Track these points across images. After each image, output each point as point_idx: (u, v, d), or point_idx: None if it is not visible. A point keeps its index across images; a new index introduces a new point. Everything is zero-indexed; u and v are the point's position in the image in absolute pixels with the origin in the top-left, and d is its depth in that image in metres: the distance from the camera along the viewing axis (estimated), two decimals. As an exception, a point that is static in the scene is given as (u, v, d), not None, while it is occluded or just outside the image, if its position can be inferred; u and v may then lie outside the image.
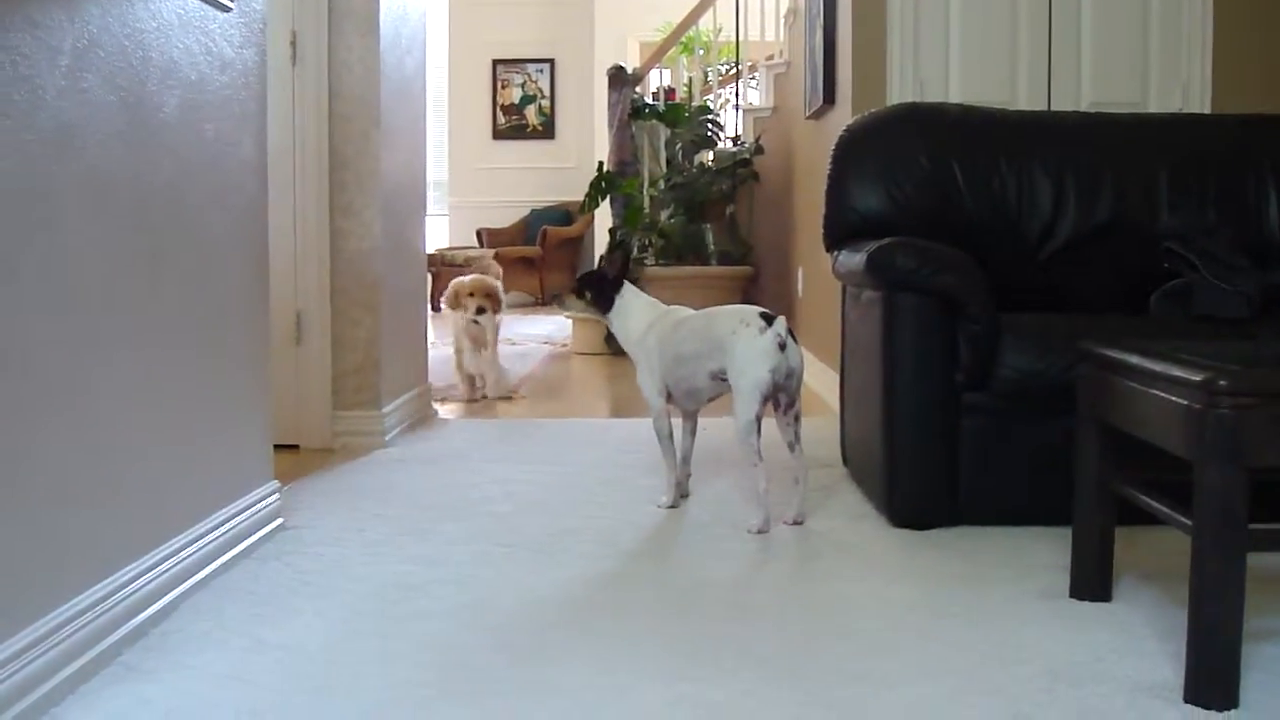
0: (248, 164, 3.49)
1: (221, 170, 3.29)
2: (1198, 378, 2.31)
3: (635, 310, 4.01)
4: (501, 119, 14.53)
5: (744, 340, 3.62)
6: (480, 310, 6.49)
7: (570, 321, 9.32)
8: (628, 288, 4.05)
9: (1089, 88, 5.71)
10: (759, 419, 3.63)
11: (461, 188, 14.43)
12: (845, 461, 4.45)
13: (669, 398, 3.95)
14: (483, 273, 12.76)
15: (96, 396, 2.57)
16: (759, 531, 3.62)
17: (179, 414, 3.00)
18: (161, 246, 2.90)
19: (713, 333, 3.73)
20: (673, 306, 4.05)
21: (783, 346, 3.59)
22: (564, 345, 9.30)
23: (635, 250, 8.69)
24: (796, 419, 3.75)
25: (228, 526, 3.26)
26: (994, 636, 2.74)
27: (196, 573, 3.02)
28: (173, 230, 2.96)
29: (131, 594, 2.67)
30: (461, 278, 6.82)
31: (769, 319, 3.64)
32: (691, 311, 3.98)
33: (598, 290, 4.00)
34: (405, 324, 5.51)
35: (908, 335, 3.66)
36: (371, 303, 5.04)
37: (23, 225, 2.29)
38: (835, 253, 4.29)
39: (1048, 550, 3.36)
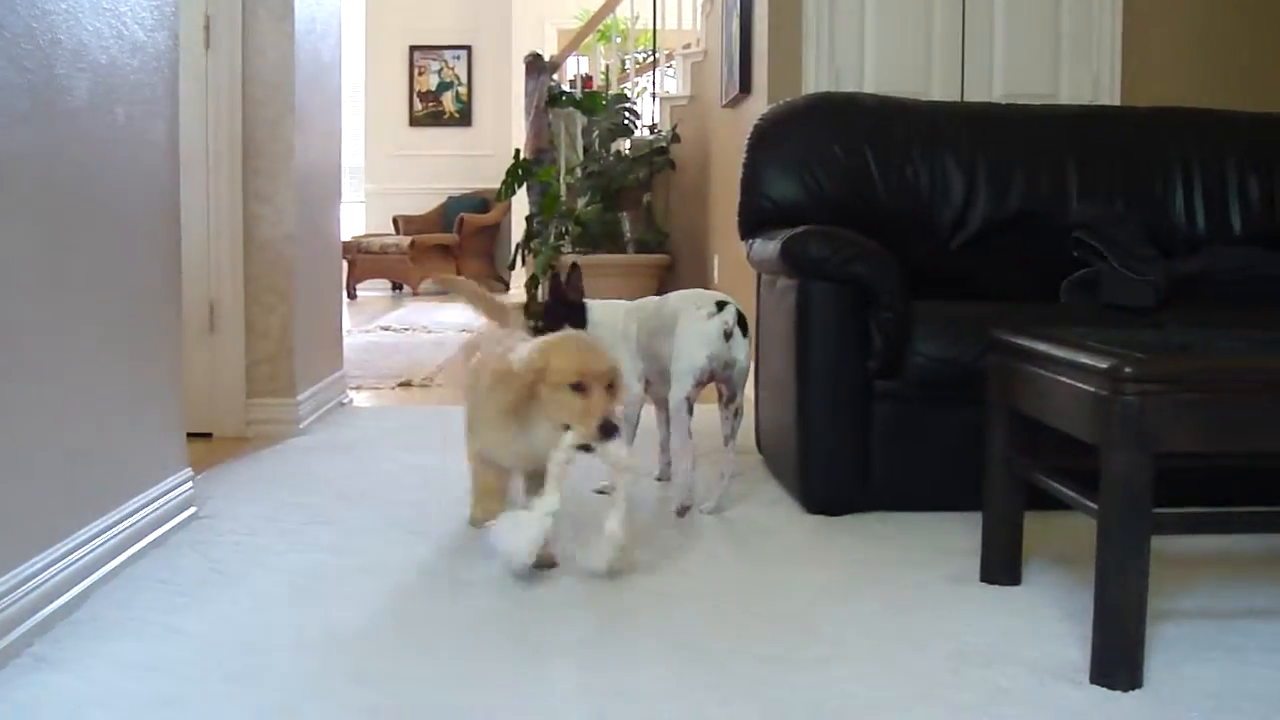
0: (159, 149, 3.45)
1: (133, 155, 3.25)
2: (1104, 365, 2.35)
3: (608, 312, 4.03)
4: (418, 106, 14.44)
5: (688, 321, 3.64)
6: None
7: (487, 309, 9.28)
8: (590, 301, 4.05)
9: (1002, 78, 5.78)
10: (689, 400, 3.67)
11: (378, 175, 14.33)
12: (760, 449, 4.48)
13: (647, 386, 3.99)
14: (393, 253, 12.69)
15: (1, 383, 2.53)
16: (679, 511, 3.65)
17: (87, 403, 2.96)
18: (70, 232, 2.86)
19: (665, 312, 3.77)
20: (647, 298, 4.08)
21: (728, 335, 3.59)
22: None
23: (552, 238, 8.68)
24: (736, 414, 3.75)
25: (139, 515, 3.22)
26: (905, 620, 2.77)
27: (108, 562, 2.99)
28: (82, 216, 2.92)
29: (41, 584, 2.64)
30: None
31: (721, 305, 3.62)
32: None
33: (570, 318, 3.93)
34: (320, 311, 5.48)
35: (821, 323, 3.69)
36: (285, 290, 5.00)
37: (-72, 210, 2.25)
38: (750, 241, 4.32)
39: (959, 535, 3.40)
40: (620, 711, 2.26)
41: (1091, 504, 2.42)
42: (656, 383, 3.93)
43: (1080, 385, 2.44)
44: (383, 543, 3.40)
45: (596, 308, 4.04)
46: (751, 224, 4.34)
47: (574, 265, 3.98)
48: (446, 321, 10.26)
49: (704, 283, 8.37)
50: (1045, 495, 2.72)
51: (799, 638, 2.66)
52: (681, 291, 3.90)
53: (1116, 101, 5.73)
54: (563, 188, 8.95)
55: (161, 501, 3.39)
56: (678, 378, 3.66)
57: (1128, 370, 2.31)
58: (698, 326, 3.62)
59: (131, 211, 3.25)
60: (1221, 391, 2.36)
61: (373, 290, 13.56)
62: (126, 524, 3.14)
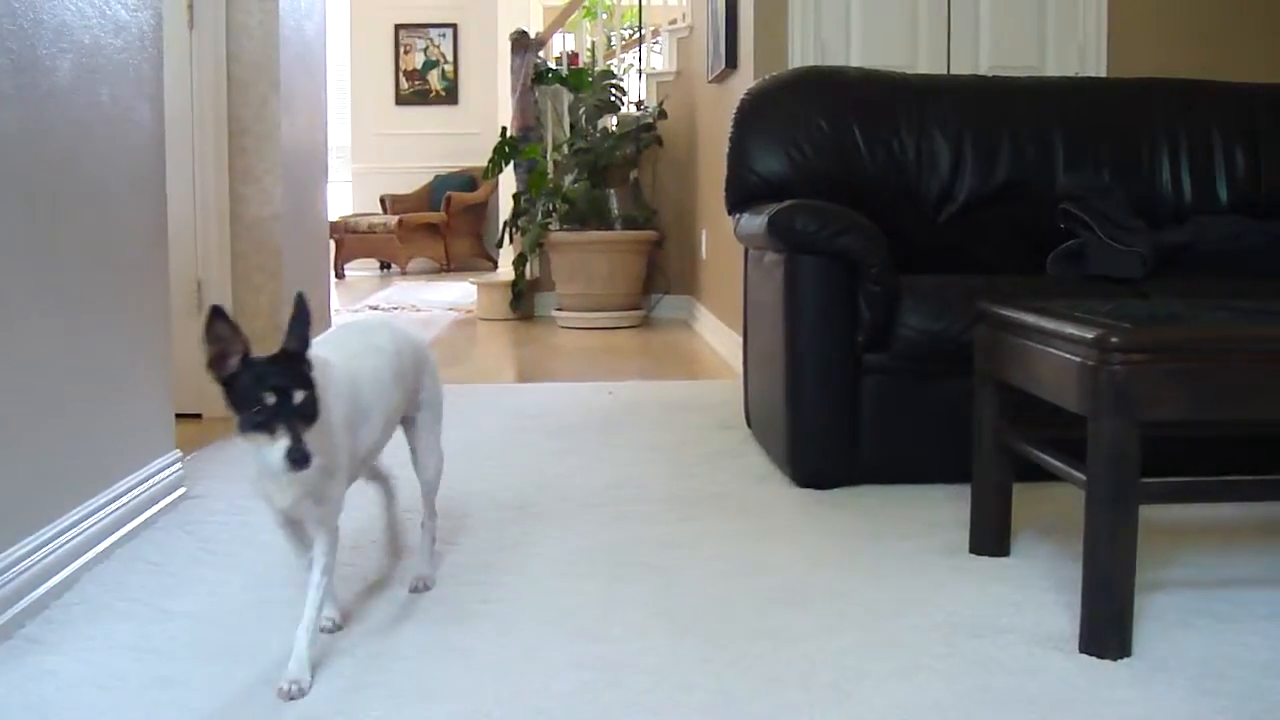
0: (145, 129, 3.44)
1: (118, 136, 3.25)
2: (1091, 335, 2.35)
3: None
4: (404, 84, 14.40)
5: None
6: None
7: (475, 287, 9.30)
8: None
9: (987, 51, 5.78)
10: None
11: (364, 154, 14.30)
12: (749, 424, 4.48)
13: None
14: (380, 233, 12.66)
15: (-8, 366, 2.53)
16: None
17: (76, 384, 2.96)
18: (56, 213, 2.85)
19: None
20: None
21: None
22: (469, 312, 9.27)
23: (539, 215, 8.67)
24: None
25: (129, 496, 3.22)
26: (895, 592, 2.78)
27: (98, 543, 2.99)
28: (68, 197, 2.92)
29: (31, 566, 2.64)
30: None
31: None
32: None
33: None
34: (309, 290, 5.46)
35: (809, 297, 3.69)
36: (273, 269, 5.00)
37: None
38: (737, 216, 4.32)
39: (948, 507, 3.41)
40: (608, 684, 2.27)
41: (1079, 474, 2.42)
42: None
43: (1067, 355, 2.45)
44: (374, 519, 3.39)
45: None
46: (738, 199, 4.34)
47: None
48: (434, 300, 10.26)
49: (693, 260, 8.38)
50: (1034, 467, 2.73)
51: (789, 610, 2.66)
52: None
53: (1102, 73, 5.74)
54: (550, 165, 8.94)
55: (151, 482, 3.39)
56: None
57: (1114, 340, 2.31)
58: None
59: (117, 191, 3.24)
60: (1208, 360, 2.37)
61: (361, 270, 13.54)
62: (116, 505, 3.14)
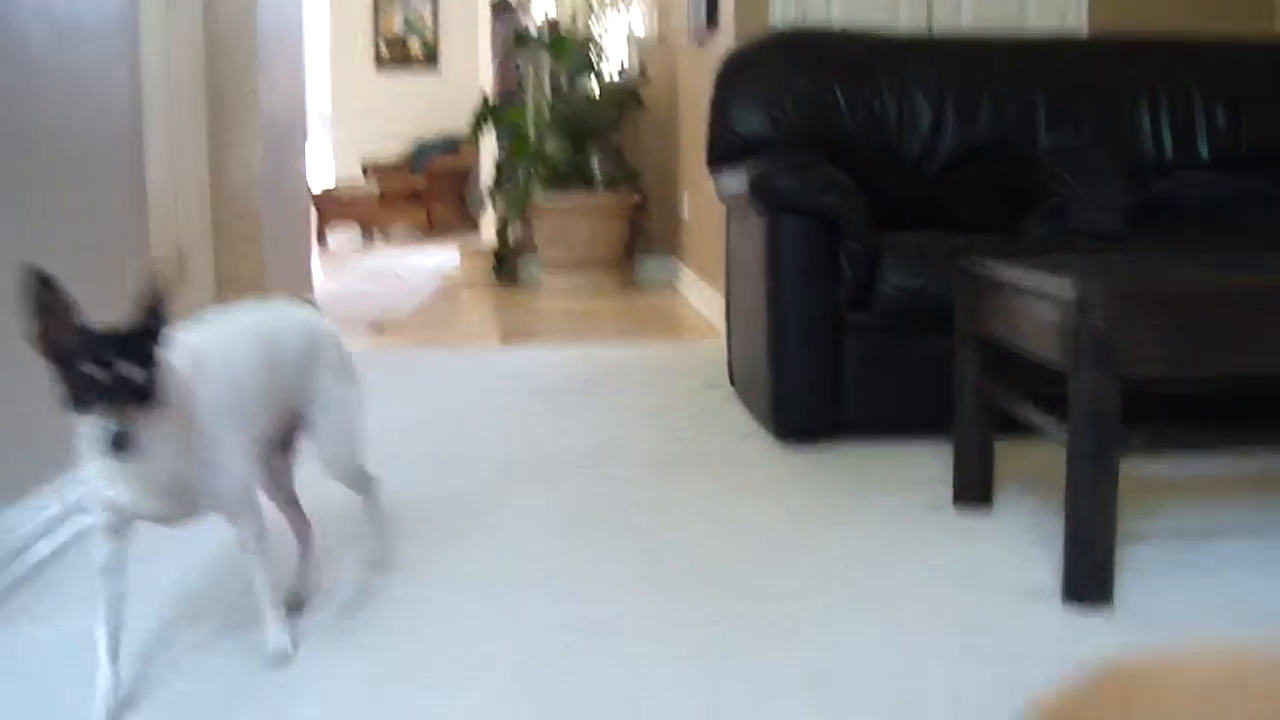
0: (122, 95, 3.42)
1: (95, 102, 3.23)
2: (1071, 289, 2.36)
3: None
4: (384, 50, 14.34)
5: None
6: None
7: (458, 253, 9.29)
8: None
9: (969, 8, 5.76)
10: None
11: (345, 120, 14.23)
12: (732, 383, 4.49)
13: None
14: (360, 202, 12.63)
15: (-27, 333, 2.53)
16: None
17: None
18: (34, 180, 2.84)
19: None
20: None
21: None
22: (452, 277, 9.26)
23: (521, 180, 8.65)
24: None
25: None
26: (879, 547, 2.80)
27: (83, 513, 2.99)
28: (45, 164, 2.91)
29: (13, 538, 2.64)
30: None
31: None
32: None
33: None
34: (291, 257, 5.46)
35: (791, 255, 3.70)
36: (255, 237, 4.99)
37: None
38: (718, 176, 4.32)
39: (931, 463, 3.43)
40: (593, 645, 2.28)
41: (1061, 428, 2.44)
42: None
43: (1048, 310, 2.46)
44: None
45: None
46: (721, 159, 4.33)
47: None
48: (417, 266, 10.24)
49: (675, 221, 8.37)
50: (1016, 423, 2.75)
51: (773, 567, 2.68)
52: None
53: (1084, 29, 5.73)
54: (531, 129, 8.91)
55: (136, 449, 3.38)
56: None
57: (1094, 294, 2.32)
58: None
59: (95, 158, 3.23)
60: (1187, 314, 2.38)
61: (343, 238, 13.49)
62: (101, 472, 3.13)
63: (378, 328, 6.66)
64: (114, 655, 2.09)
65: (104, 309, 3.23)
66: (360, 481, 2.66)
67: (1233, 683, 0.93)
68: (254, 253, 4.97)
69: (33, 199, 2.83)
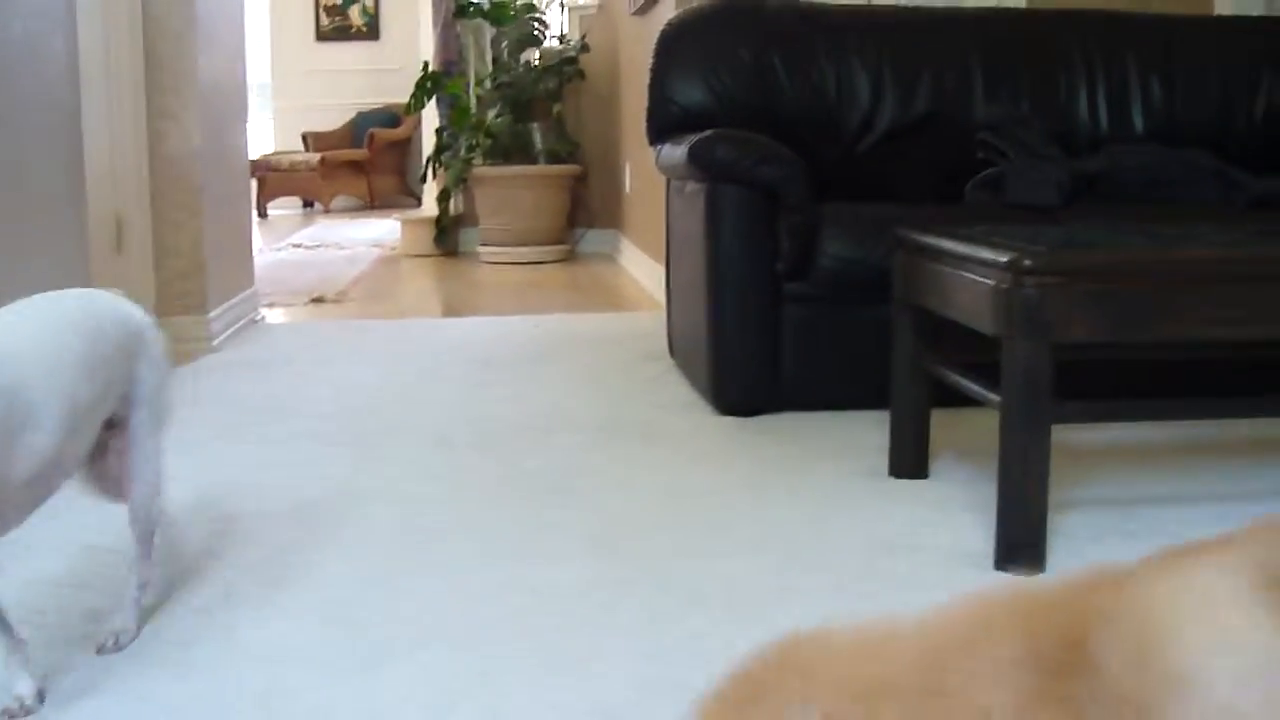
0: (59, 64, 3.40)
1: (32, 71, 3.21)
2: (1005, 258, 2.40)
3: None
4: (324, 20, 14.22)
5: None
6: None
7: (399, 224, 9.26)
8: None
9: (908, -19, 5.78)
10: None
11: (286, 91, 14.13)
12: (672, 354, 4.52)
13: None
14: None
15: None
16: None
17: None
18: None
19: None
20: None
21: None
22: (393, 249, 9.23)
23: (463, 150, 8.62)
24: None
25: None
26: (818, 514, 2.83)
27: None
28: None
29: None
30: None
31: None
32: None
33: None
34: (230, 228, 5.43)
35: (730, 226, 3.72)
36: (194, 206, 4.95)
37: None
38: (658, 147, 4.33)
39: (868, 433, 3.46)
40: (535, 607, 2.30)
41: (994, 395, 2.47)
42: None
43: (981, 279, 2.49)
44: (297, 455, 3.41)
45: None
46: (660, 129, 4.35)
47: None
48: (358, 237, 10.21)
49: (617, 193, 8.37)
50: (951, 393, 2.78)
51: (714, 533, 2.71)
52: None
53: (1021, 2, 5.76)
54: (473, 100, 8.89)
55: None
56: None
57: (1027, 263, 2.36)
58: None
59: (31, 128, 3.21)
60: (1119, 283, 2.42)
61: (283, 209, 13.42)
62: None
63: (317, 298, 6.64)
64: None
65: (37, 275, 3.22)
66: (153, 509, 2.25)
67: (886, 656, 1.01)
68: (194, 223, 4.94)
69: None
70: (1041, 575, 2.42)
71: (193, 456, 3.37)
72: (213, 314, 5.05)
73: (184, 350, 4.86)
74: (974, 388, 2.61)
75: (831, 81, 4.36)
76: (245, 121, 5.85)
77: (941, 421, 3.11)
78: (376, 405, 3.99)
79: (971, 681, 0.94)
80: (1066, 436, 3.34)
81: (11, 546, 2.13)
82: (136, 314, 2.17)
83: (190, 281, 4.98)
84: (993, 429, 2.51)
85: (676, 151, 3.96)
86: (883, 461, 3.14)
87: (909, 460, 3.08)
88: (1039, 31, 4.58)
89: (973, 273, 2.54)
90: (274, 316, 6.04)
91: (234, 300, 5.43)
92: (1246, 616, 0.92)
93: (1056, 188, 3.95)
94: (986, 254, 2.48)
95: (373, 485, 3.11)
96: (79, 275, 3.53)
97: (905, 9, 4.74)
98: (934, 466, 3.12)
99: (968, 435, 3.35)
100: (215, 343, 5.02)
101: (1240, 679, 0.89)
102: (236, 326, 5.40)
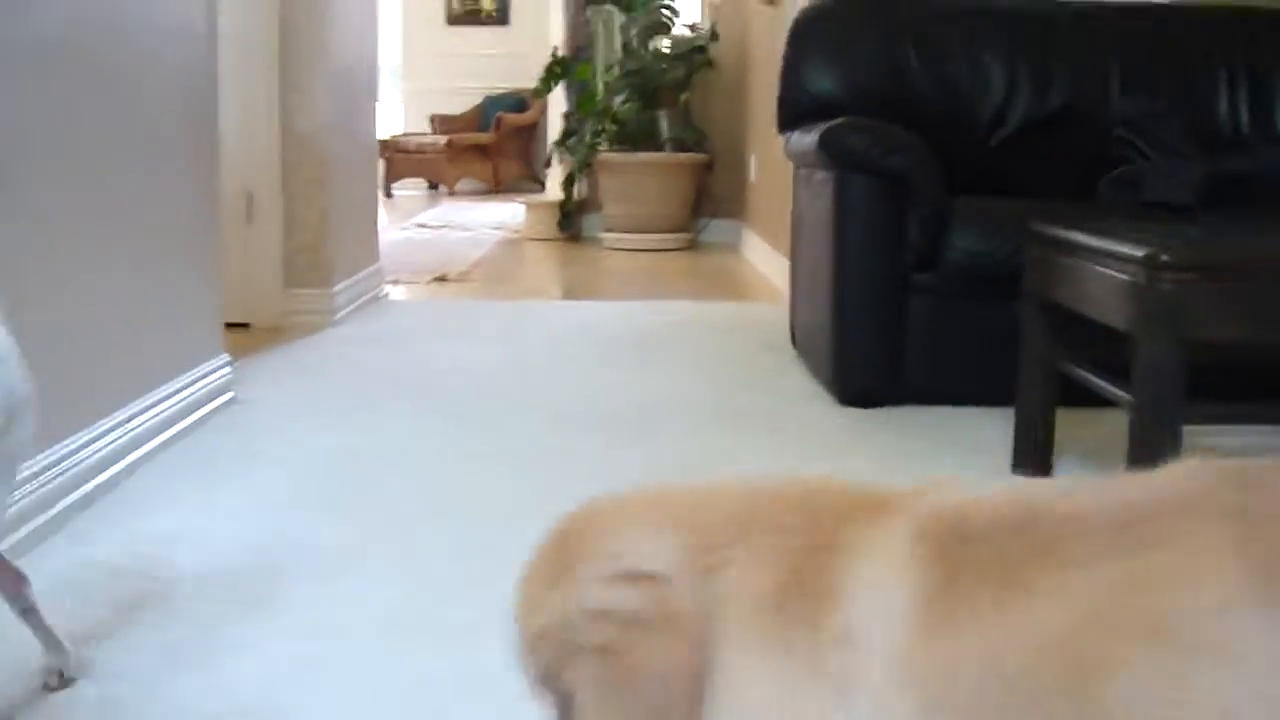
0: (197, 38, 3.45)
1: (171, 45, 3.25)
2: (1140, 252, 2.34)
3: None
4: (455, 5, 14.32)
5: None
6: None
7: (523, 208, 9.31)
8: None
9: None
10: None
11: (415, 74, 14.26)
12: (795, 345, 4.48)
13: None
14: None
15: (43, 269, 2.55)
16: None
17: (126, 287, 2.99)
18: (112, 122, 2.87)
19: None
20: None
21: None
22: (516, 232, 9.27)
23: (588, 136, 8.63)
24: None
25: (179, 398, 3.26)
26: (936, 509, 2.78)
27: (147, 442, 3.02)
28: (123, 106, 2.93)
29: (80, 462, 2.67)
30: None
31: None
32: None
33: None
34: (357, 204, 5.49)
35: (858, 215, 3.68)
36: (322, 181, 5.00)
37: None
38: (788, 135, 4.30)
39: (991, 429, 3.41)
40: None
41: (1125, 393, 2.42)
42: None
43: (1116, 273, 2.43)
44: (418, 427, 3.43)
45: None
46: (790, 117, 4.32)
47: None
48: (482, 220, 10.27)
49: (742, 183, 8.33)
50: (1078, 392, 2.73)
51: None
52: None
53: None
54: (600, 86, 8.89)
55: (200, 385, 3.42)
56: None
57: (1164, 257, 2.30)
58: None
59: (170, 102, 3.26)
60: (1257, 281, 2.35)
61: (409, 190, 13.55)
62: (166, 405, 3.17)
63: (440, 277, 6.69)
64: None
65: (175, 246, 3.28)
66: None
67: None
68: (322, 196, 4.99)
69: (107, 137, 2.86)
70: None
71: (321, 422, 3.41)
72: (337, 288, 5.10)
73: (307, 323, 4.93)
74: (1104, 385, 2.56)
75: (964, 73, 4.30)
76: (374, 101, 5.91)
77: (1068, 420, 3.05)
78: (495, 382, 4.00)
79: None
80: (1197, 439, 3.25)
81: None
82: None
83: (316, 254, 5.03)
84: (1117, 431, 2.45)
85: (806, 139, 3.92)
86: (1006, 458, 3.09)
87: (1033, 458, 3.02)
88: (1178, 27, 4.48)
89: (1107, 267, 2.49)
90: (397, 293, 6.10)
91: (358, 275, 5.48)
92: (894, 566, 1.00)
93: (1195, 187, 3.85)
94: (1122, 248, 2.42)
95: (485, 455, 3.12)
96: (209, 244, 3.58)
97: (1042, 2, 4.65)
98: (1058, 466, 3.05)
99: (1094, 435, 3.28)
100: (338, 316, 5.07)
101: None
102: (360, 301, 5.46)
